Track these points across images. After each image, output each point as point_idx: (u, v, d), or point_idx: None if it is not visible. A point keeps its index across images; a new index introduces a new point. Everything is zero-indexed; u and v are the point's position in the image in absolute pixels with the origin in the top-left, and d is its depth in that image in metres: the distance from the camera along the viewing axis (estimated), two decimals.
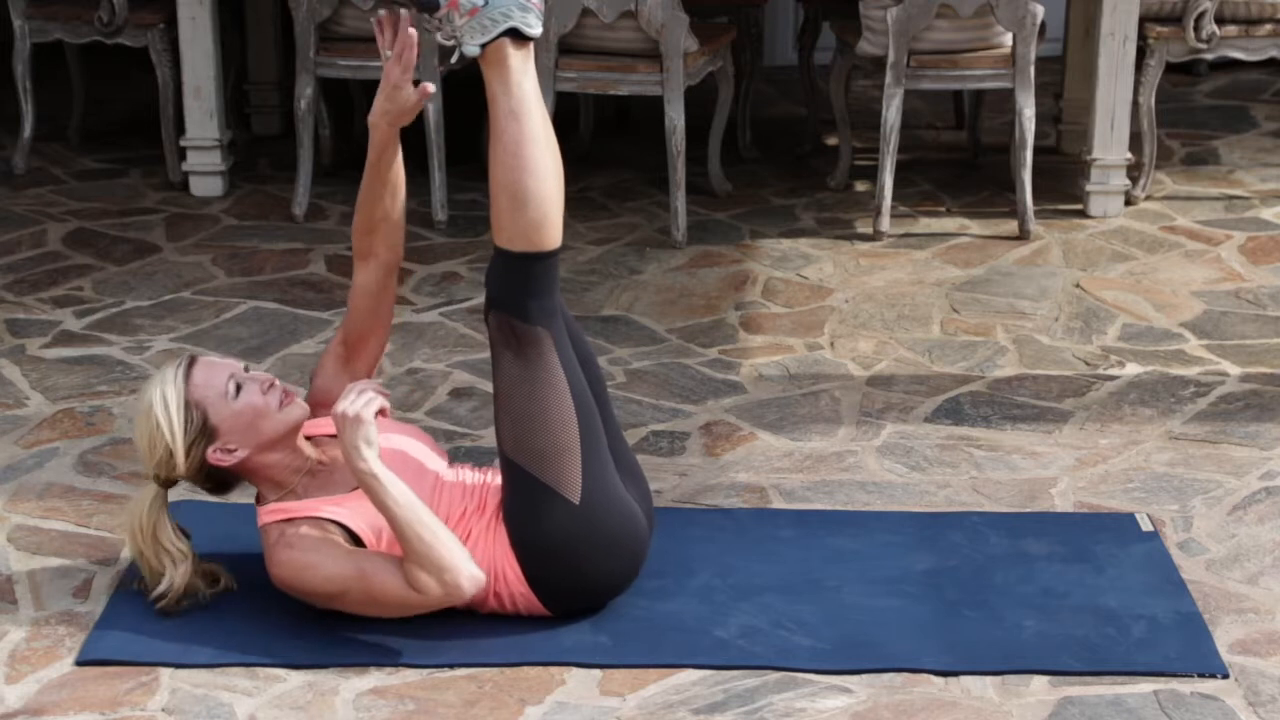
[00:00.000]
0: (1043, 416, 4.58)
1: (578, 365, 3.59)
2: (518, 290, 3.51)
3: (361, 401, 3.47)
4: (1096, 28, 5.80)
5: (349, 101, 6.60)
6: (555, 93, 5.67)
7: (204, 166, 6.05)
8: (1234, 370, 4.83)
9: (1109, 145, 5.85)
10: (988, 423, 4.55)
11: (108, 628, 3.61)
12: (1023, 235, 5.74)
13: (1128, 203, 5.97)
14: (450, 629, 3.58)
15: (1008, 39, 5.69)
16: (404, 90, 3.60)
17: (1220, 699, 3.43)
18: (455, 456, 4.29)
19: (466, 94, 5.91)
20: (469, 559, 3.48)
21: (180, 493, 3.77)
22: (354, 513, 3.55)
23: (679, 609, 3.69)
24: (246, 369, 3.63)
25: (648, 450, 4.38)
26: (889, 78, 5.66)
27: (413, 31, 3.55)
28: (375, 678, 3.48)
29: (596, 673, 3.50)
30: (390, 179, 3.72)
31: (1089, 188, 5.90)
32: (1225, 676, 3.49)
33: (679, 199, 5.67)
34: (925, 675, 3.49)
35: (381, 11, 3.60)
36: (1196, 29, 5.87)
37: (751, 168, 6.41)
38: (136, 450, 3.64)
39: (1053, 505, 4.14)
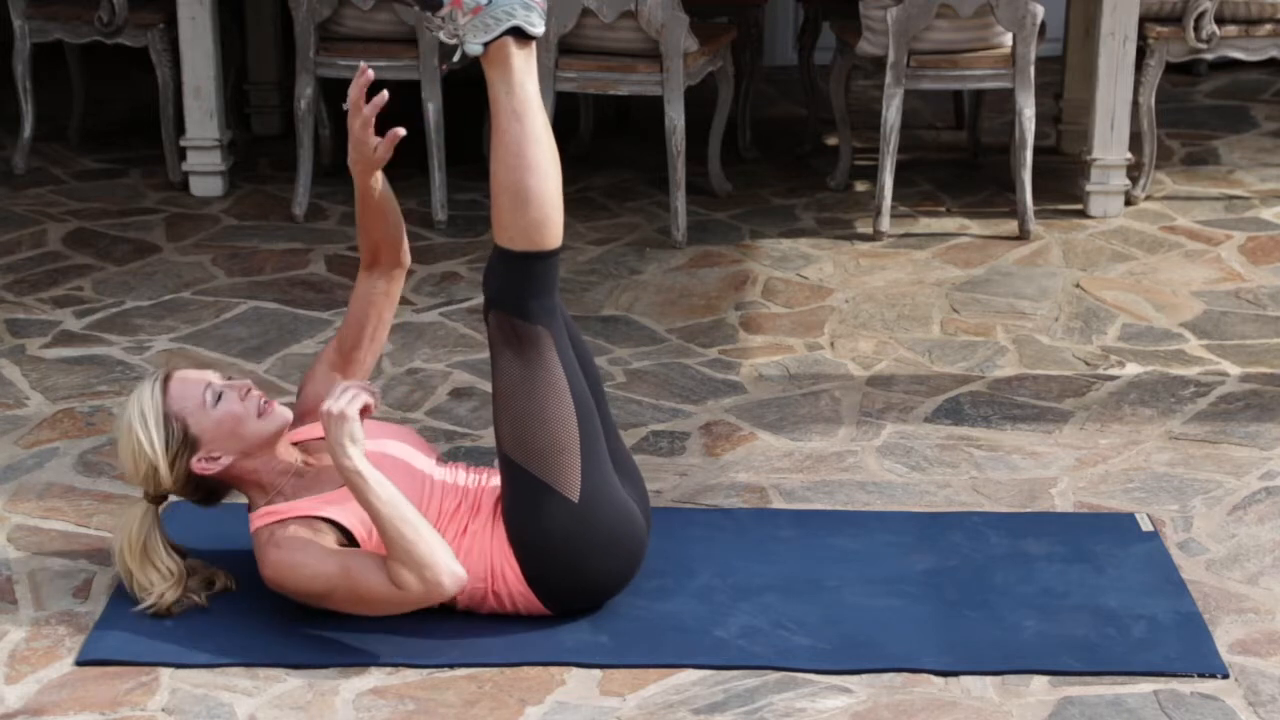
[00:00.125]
0: (1043, 416, 4.57)
1: (577, 365, 3.60)
2: (518, 289, 3.52)
3: (346, 398, 3.48)
4: (1096, 28, 5.80)
5: None
6: (555, 93, 5.67)
7: (204, 166, 6.04)
8: (1234, 370, 4.82)
9: (1109, 145, 5.85)
10: (988, 423, 4.54)
11: (108, 628, 3.61)
12: (1023, 235, 5.74)
13: (1128, 203, 5.96)
14: (450, 629, 3.58)
15: (1008, 39, 5.69)
16: (367, 143, 3.61)
17: (1220, 699, 3.42)
18: (455, 456, 4.29)
19: (466, 94, 5.91)
20: (451, 557, 3.48)
21: None
22: (345, 509, 3.55)
23: (679, 609, 3.69)
24: (229, 378, 3.65)
25: (648, 450, 4.37)
26: (889, 78, 5.66)
27: (370, 73, 3.56)
28: (375, 678, 3.48)
29: (596, 673, 3.50)
30: (382, 207, 3.76)
31: (1089, 188, 5.89)
32: (1225, 676, 3.48)
33: (679, 199, 5.67)
34: (925, 675, 3.49)
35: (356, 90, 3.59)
36: (1196, 29, 5.87)
37: (751, 168, 6.40)
38: (122, 469, 3.64)
39: (1053, 505, 4.14)
